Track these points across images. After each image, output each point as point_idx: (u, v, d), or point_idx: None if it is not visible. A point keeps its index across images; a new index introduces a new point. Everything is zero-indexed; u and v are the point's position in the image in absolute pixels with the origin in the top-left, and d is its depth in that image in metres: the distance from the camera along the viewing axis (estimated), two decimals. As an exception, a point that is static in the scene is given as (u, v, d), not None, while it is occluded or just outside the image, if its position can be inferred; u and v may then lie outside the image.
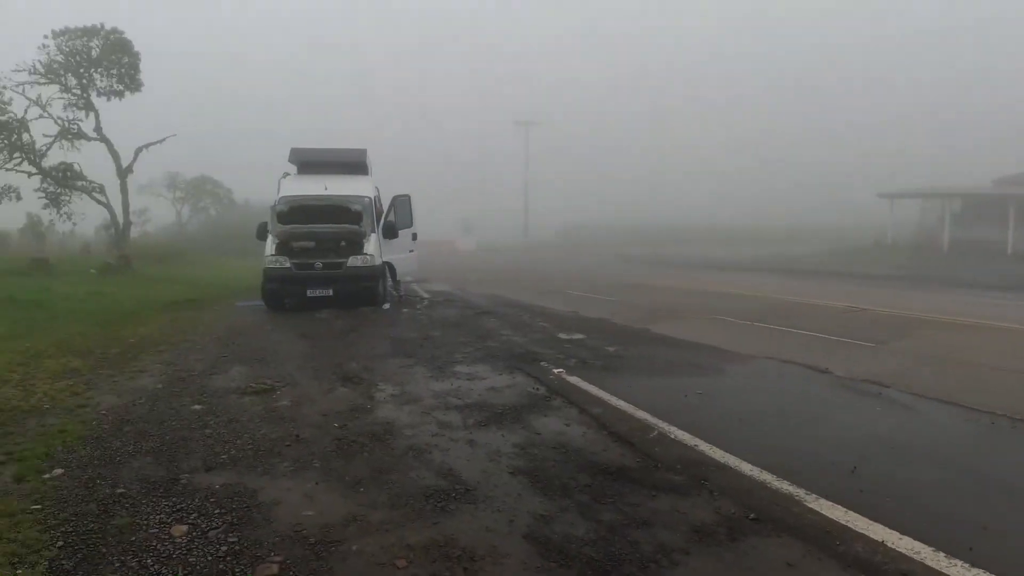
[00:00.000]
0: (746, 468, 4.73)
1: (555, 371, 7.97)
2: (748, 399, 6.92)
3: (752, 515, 3.93)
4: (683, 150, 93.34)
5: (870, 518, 3.84)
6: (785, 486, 4.37)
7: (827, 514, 3.92)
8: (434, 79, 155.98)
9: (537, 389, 7.17)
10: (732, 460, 4.91)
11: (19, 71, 19.12)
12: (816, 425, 6.01)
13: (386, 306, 14.38)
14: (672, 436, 5.51)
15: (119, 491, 4.43)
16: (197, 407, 6.46)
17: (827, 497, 4.15)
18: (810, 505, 4.07)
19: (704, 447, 5.22)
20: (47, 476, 4.69)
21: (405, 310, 14.12)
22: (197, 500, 4.28)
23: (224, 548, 3.64)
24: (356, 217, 14.67)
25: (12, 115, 19.19)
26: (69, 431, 5.70)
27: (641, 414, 6.15)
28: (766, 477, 4.55)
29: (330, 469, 4.82)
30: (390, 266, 15.49)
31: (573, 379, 7.59)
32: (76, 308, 12.45)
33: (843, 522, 3.81)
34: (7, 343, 9.39)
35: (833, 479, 4.51)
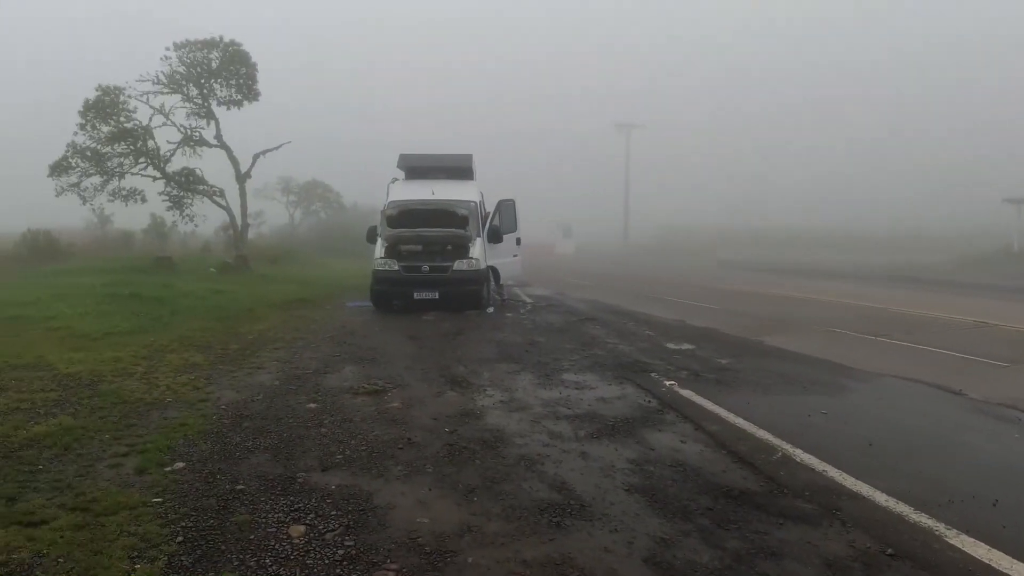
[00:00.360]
0: (880, 498, 4.39)
1: (666, 383, 7.69)
2: (876, 421, 6.44)
3: (889, 550, 3.63)
4: (793, 151, 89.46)
5: (1014, 556, 3.53)
6: (923, 519, 4.03)
7: (969, 551, 3.61)
8: (533, 82, 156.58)
9: (649, 402, 6.94)
10: (865, 488, 4.55)
11: (143, 81, 20.51)
12: (952, 452, 5.54)
13: (490, 310, 14.42)
14: (797, 459, 5.18)
15: (238, 487, 4.52)
16: (312, 405, 6.59)
17: (968, 532, 3.82)
18: (950, 541, 3.75)
19: (833, 473, 4.87)
20: (168, 469, 4.85)
21: (509, 314, 14.11)
22: (314, 500, 4.31)
23: (341, 552, 3.62)
24: (462, 221, 14.80)
25: (137, 123, 20.48)
26: (190, 425, 5.91)
27: (762, 433, 5.82)
28: (902, 509, 4.20)
29: (442, 475, 4.77)
30: (494, 270, 15.56)
31: (686, 392, 7.30)
32: (196, 305, 13.14)
33: (986, 560, 3.52)
34: (133, 337, 9.95)
35: (973, 513, 4.15)
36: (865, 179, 72.55)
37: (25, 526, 3.88)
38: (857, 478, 4.72)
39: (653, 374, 8.19)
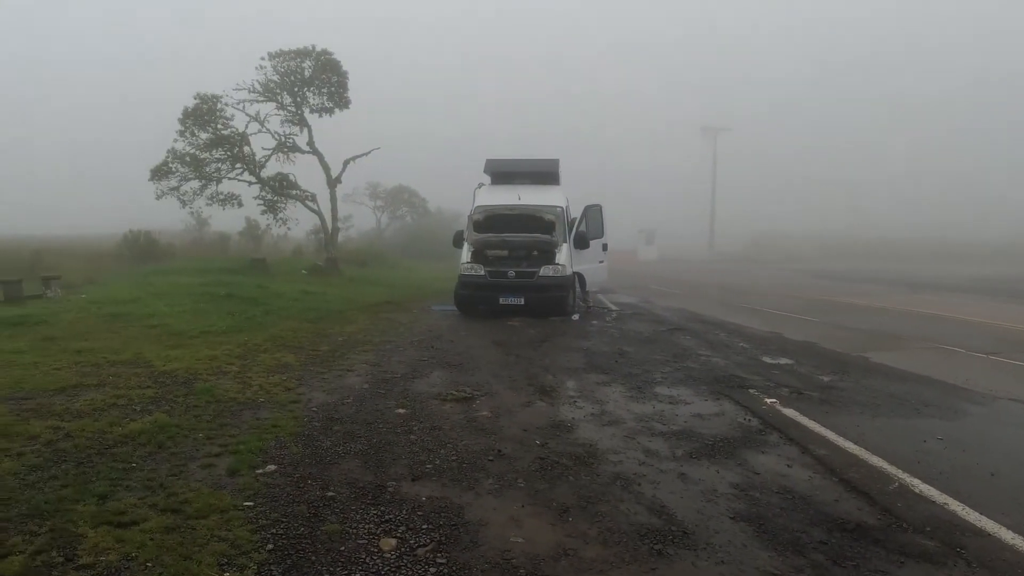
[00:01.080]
0: (1007, 536, 4.00)
1: (767, 401, 7.27)
2: (997, 449, 5.88)
3: (1021, 596, 3.23)
4: (893, 152, 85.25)
5: None
6: (1054, 560, 3.59)
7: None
8: (619, 87, 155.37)
9: (748, 420, 6.55)
10: (990, 525, 4.14)
11: (240, 89, 21.26)
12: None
13: (575, 317, 14.18)
14: (916, 490, 4.75)
15: (329, 494, 4.45)
16: (401, 411, 6.52)
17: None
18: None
19: (955, 506, 4.44)
20: (260, 472, 4.83)
21: (594, 322, 13.83)
22: (404, 512, 4.19)
23: (433, 570, 3.48)
24: (548, 227, 14.61)
25: (234, 130, 21.23)
26: (281, 426, 5.92)
27: (875, 460, 5.38)
28: (1033, 549, 3.76)
29: (535, 491, 4.58)
30: (580, 276, 15.30)
31: (789, 412, 6.87)
32: (288, 306, 13.44)
33: None
34: (227, 336, 10.20)
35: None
36: (978, 180, 68.12)
37: (116, 527, 3.90)
38: (981, 512, 4.32)
39: (751, 390, 7.77)
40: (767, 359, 10.00)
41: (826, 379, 8.69)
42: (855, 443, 5.83)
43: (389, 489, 4.57)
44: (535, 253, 14.46)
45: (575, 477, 4.87)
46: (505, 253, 14.53)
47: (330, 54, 21.61)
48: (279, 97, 21.54)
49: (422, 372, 8.37)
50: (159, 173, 20.67)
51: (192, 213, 32.08)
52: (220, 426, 5.97)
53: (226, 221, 31.73)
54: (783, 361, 9.86)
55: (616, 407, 6.89)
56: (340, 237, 43.68)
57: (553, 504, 4.37)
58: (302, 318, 12.39)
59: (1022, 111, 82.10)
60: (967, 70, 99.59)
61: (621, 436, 5.90)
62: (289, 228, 23.87)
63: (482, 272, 14.02)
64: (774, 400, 7.30)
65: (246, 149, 21.37)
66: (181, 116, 20.61)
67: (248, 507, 4.22)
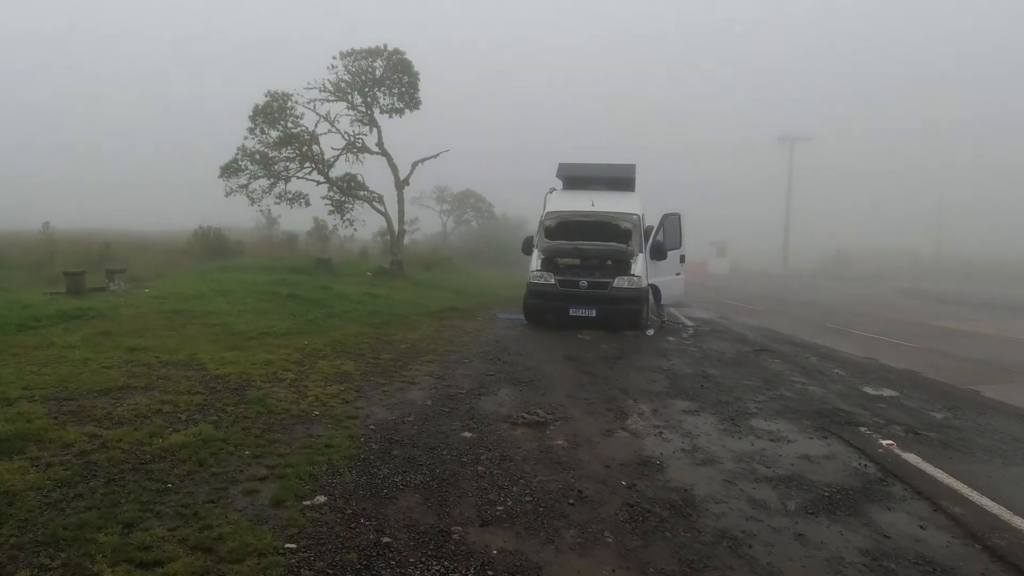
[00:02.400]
0: None
1: (883, 443, 6.33)
2: None
3: None
4: (981, 166, 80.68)
5: None
6: None
7: None
8: (693, 94, 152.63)
9: (865, 466, 5.65)
10: None
11: (311, 88, 21.02)
12: None
13: (650, 332, 13.30)
14: (1077, 565, 3.84)
15: (384, 540, 3.81)
16: (467, 435, 5.86)
17: None
18: None
19: None
20: (308, 503, 4.24)
21: (671, 338, 12.92)
22: (472, 569, 3.51)
23: (508, 660, 2.77)
24: (624, 235, 13.79)
25: (304, 128, 21.00)
26: (336, 446, 5.34)
27: (1019, 522, 4.50)
28: None
29: (627, 550, 3.83)
30: (654, 289, 14.39)
31: (909, 456, 5.93)
32: (352, 308, 12.98)
33: None
34: (287, 339, 9.74)
35: None
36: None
37: (137, 566, 3.34)
38: None
39: (862, 428, 6.83)
40: (869, 390, 9.00)
41: (939, 416, 7.69)
42: (992, 499, 4.93)
43: (454, 536, 3.89)
44: (609, 263, 13.66)
45: (672, 533, 4.10)
46: (577, 262, 13.78)
47: (402, 54, 21.23)
48: (349, 97, 21.25)
49: (489, 388, 7.69)
50: (229, 170, 20.66)
51: (262, 211, 32.44)
52: (269, 442, 5.42)
53: (295, 220, 31.95)
54: (887, 393, 8.85)
55: (709, 442, 6.07)
56: (406, 240, 43.72)
57: (650, 570, 3.62)
58: (365, 322, 11.89)
59: None
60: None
61: (720, 480, 5.09)
62: (355, 229, 23.65)
63: (552, 281, 13.29)
64: (890, 442, 6.36)
65: (315, 148, 21.10)
66: (251, 113, 20.57)
67: (290, 551, 3.61)
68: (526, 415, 6.48)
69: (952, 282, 42.73)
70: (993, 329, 17.40)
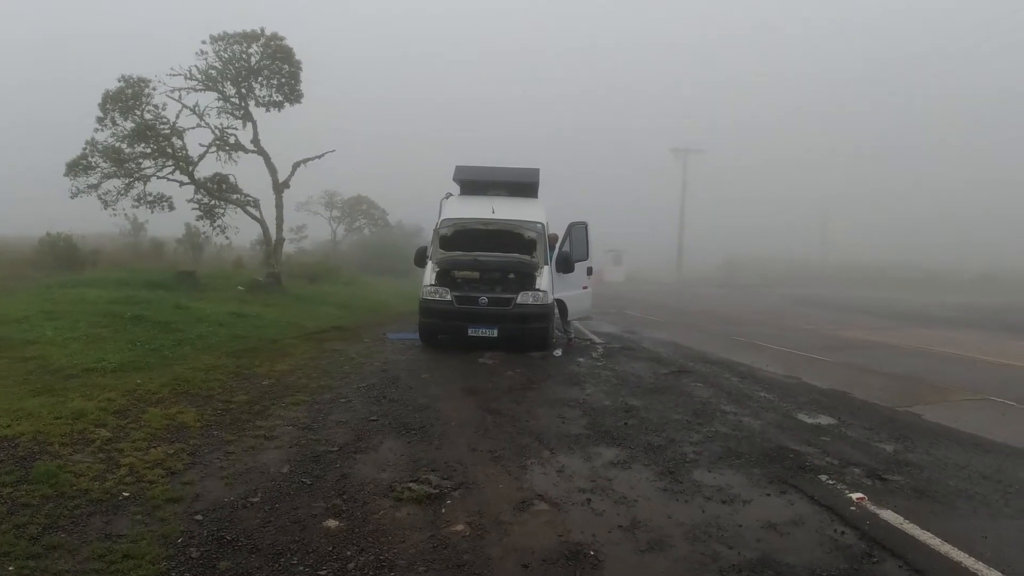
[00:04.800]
0: None
1: (852, 496, 5.21)
2: None
3: None
4: (863, 178, 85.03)
5: None
6: None
7: None
8: (589, 101, 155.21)
9: (842, 533, 4.52)
10: None
11: (175, 75, 18.24)
12: None
13: (557, 352, 11.98)
14: None
15: None
16: (332, 523, 4.28)
17: None
18: None
19: None
20: None
21: (581, 359, 11.65)
22: None
23: None
24: (528, 246, 12.46)
25: (163, 120, 18.21)
26: (138, 557, 3.70)
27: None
28: None
29: None
30: (560, 304, 13.10)
31: (888, 516, 4.85)
32: (210, 333, 10.91)
33: None
34: (117, 377, 7.74)
35: None
36: (943, 212, 67.77)
37: None
38: None
39: (821, 476, 5.72)
40: (805, 417, 8.05)
41: (889, 449, 6.81)
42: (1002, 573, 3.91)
43: None
44: (511, 276, 12.29)
45: None
46: (476, 275, 12.34)
47: (281, 39, 18.93)
48: (220, 86, 18.85)
49: (370, 441, 6.07)
50: (76, 168, 17.80)
51: (127, 217, 29.13)
52: (47, 550, 3.75)
53: (165, 226, 28.70)
54: (825, 420, 7.93)
55: (651, 511, 4.74)
56: (293, 249, 40.87)
57: None
58: (223, 350, 9.90)
59: (1002, 130, 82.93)
60: (947, 86, 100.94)
61: (680, 573, 3.77)
62: (227, 238, 21.01)
63: (448, 297, 11.75)
64: (860, 496, 5.25)
65: (176, 142, 18.40)
66: (100, 100, 17.83)
67: None
68: (414, 485, 4.92)
69: (836, 287, 44.18)
70: (898, 339, 17.23)
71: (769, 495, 5.20)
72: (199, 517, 4.29)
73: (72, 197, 17.88)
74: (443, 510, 4.55)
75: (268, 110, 19.40)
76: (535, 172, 14.54)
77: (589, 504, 4.81)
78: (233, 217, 20.09)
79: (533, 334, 11.80)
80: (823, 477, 5.68)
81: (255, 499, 4.61)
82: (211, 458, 5.41)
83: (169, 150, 18.18)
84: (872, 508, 5.00)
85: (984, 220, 62.02)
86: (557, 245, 13.38)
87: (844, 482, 5.57)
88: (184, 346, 9.71)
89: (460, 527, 4.28)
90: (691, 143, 67.93)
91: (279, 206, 19.78)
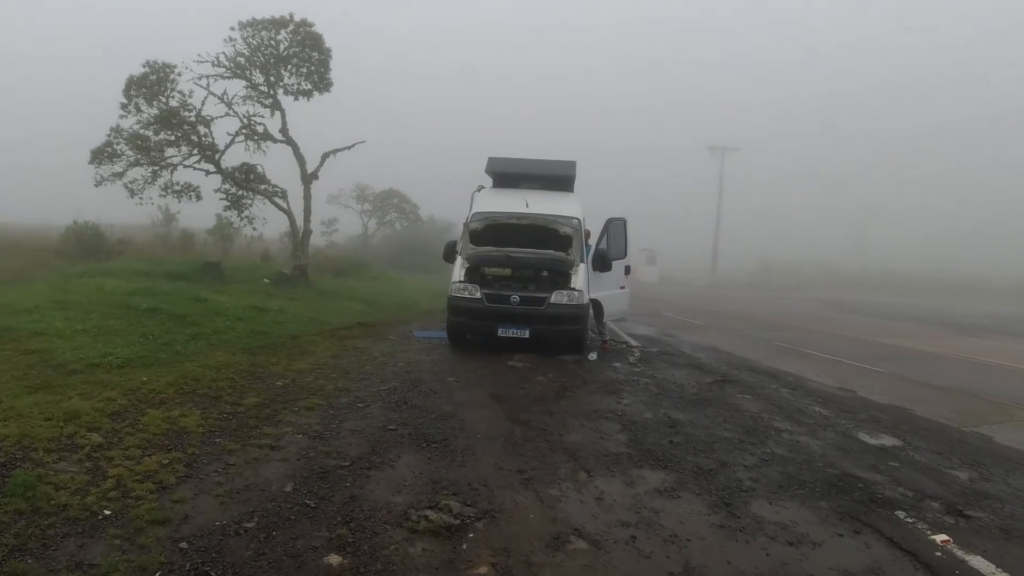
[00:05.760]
0: None
1: (935, 539, 4.49)
2: None
3: None
4: (909, 180, 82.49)
5: None
6: None
7: None
8: (623, 97, 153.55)
9: (934, 588, 3.79)
10: None
11: (202, 62, 17.71)
12: None
13: (592, 356, 11.27)
14: None
15: None
16: (335, 559, 3.68)
17: None
18: None
19: None
20: None
21: (617, 364, 10.94)
22: None
23: None
24: (563, 242, 11.76)
25: (189, 106, 17.64)
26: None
27: None
28: None
29: None
30: (596, 304, 12.38)
31: (977, 563, 4.22)
32: (226, 328, 10.39)
33: None
34: (122, 373, 7.23)
35: None
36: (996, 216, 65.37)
37: None
38: None
39: (898, 512, 5.00)
40: (866, 437, 7.30)
41: (964, 477, 6.10)
42: None
43: None
44: (545, 274, 11.61)
45: None
46: (508, 273, 11.66)
47: (310, 25, 18.38)
48: (248, 74, 18.36)
49: (385, 455, 5.47)
50: (100, 155, 17.39)
51: (159, 208, 28.87)
52: (5, 579, 3.19)
53: (197, 217, 28.36)
54: (889, 442, 7.18)
55: (705, 552, 4.07)
56: (323, 242, 40.48)
57: None
58: (239, 346, 9.37)
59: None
60: (984, 101, 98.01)
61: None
62: (255, 228, 20.46)
63: (478, 295, 11.11)
64: (945, 538, 4.53)
65: (201, 130, 17.90)
66: (124, 87, 17.45)
67: None
68: (432, 513, 4.29)
69: (871, 294, 42.76)
70: (943, 347, 16.27)
71: (842, 535, 4.50)
72: (184, 545, 3.72)
73: (96, 185, 17.45)
74: (464, 545, 3.92)
75: (296, 99, 18.86)
76: (572, 165, 13.82)
77: (634, 543, 4.14)
78: (261, 208, 19.59)
79: (567, 336, 11.12)
80: (900, 514, 4.96)
81: (250, 524, 4.03)
82: (208, 470, 4.84)
83: (194, 138, 17.68)
84: (959, 553, 4.30)
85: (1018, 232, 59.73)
86: (592, 242, 12.69)
87: (924, 520, 4.86)
88: (198, 341, 9.20)
89: (483, 570, 3.65)
90: (729, 136, 66.35)
91: (307, 197, 19.22)
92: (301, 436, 5.78)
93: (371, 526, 4.10)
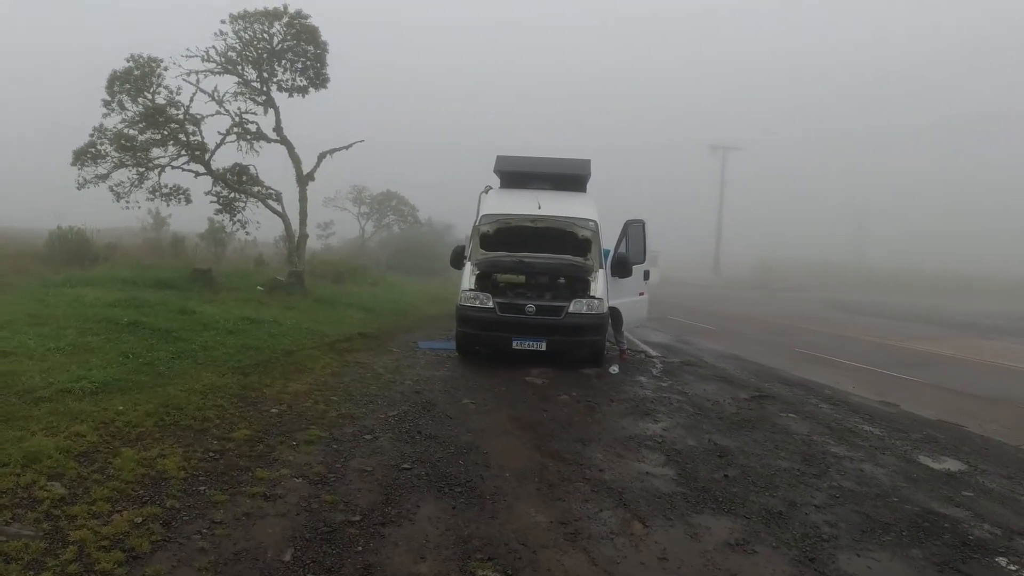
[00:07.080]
0: None
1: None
2: None
3: None
4: (909, 178, 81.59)
5: None
6: None
7: None
8: (622, 96, 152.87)
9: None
10: None
11: (191, 57, 16.58)
12: None
13: (614, 369, 10.44)
14: None
15: None
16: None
17: None
18: None
19: None
20: None
21: (641, 378, 10.11)
22: None
23: None
24: (581, 246, 10.93)
25: (176, 103, 16.58)
26: None
27: None
28: None
29: None
30: (614, 312, 11.55)
31: None
32: (216, 343, 9.44)
33: None
34: (95, 401, 6.35)
35: None
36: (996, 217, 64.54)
37: None
38: None
39: (1000, 560, 4.26)
40: (928, 461, 6.60)
41: (1050, 510, 5.33)
42: None
43: None
44: (562, 281, 10.79)
45: None
46: (522, 279, 10.84)
47: (306, 18, 17.28)
48: (240, 69, 17.41)
49: (402, 505, 4.64)
50: (83, 156, 16.36)
51: (148, 211, 27.93)
52: None
53: (190, 222, 27.33)
54: (953, 466, 6.50)
55: (810, 638, 3.28)
56: (319, 246, 39.53)
57: None
58: (229, 365, 8.47)
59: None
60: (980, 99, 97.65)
61: None
62: (248, 232, 19.48)
63: (490, 304, 10.27)
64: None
65: (190, 128, 16.91)
66: (107, 82, 16.49)
67: None
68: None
69: (872, 293, 42.04)
70: (965, 351, 15.56)
71: (952, 600, 3.73)
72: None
73: (79, 188, 16.45)
74: (513, 637, 3.12)
75: (291, 95, 17.87)
76: (586, 164, 12.98)
77: (717, 625, 3.35)
78: (254, 211, 18.61)
79: (587, 348, 10.31)
80: (1001, 561, 4.23)
81: (241, 614, 3.22)
82: (190, 531, 4.02)
83: (183, 137, 16.69)
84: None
85: (1019, 231, 59.02)
86: (614, 246, 11.92)
87: (1029, 568, 4.11)
88: (183, 359, 8.32)
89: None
90: (728, 135, 65.71)
91: (303, 199, 18.24)
92: (300, 480, 4.94)
93: (393, 610, 3.29)
